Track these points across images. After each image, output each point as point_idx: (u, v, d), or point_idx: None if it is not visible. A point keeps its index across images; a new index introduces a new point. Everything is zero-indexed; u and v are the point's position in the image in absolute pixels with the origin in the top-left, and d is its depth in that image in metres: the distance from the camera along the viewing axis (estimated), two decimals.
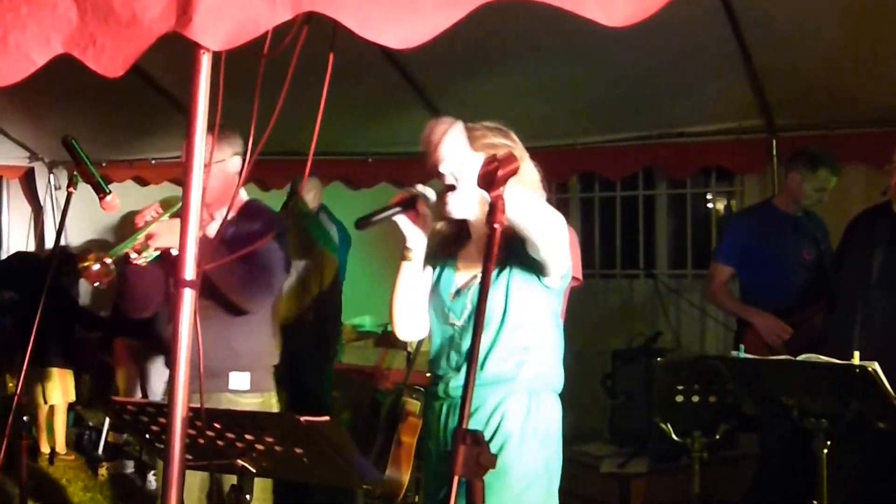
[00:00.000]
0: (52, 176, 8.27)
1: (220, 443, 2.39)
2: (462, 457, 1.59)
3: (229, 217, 3.46)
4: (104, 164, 7.64)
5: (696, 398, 3.69)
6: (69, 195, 3.06)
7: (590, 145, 6.59)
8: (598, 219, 7.71)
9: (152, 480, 6.31)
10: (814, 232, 4.76)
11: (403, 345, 5.88)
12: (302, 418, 2.19)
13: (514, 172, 1.91)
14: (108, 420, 6.90)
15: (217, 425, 2.35)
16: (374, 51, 5.68)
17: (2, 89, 2.63)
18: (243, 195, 3.72)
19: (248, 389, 3.55)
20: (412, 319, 2.92)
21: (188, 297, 2.25)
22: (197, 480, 3.44)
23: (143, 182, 7.80)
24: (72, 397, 7.04)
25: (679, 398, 3.70)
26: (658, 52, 5.52)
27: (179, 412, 2.19)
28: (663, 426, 3.75)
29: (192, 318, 2.25)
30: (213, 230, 3.49)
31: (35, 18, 2.60)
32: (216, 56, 2.36)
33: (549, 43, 5.26)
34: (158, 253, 3.27)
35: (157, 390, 6.52)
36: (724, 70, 5.64)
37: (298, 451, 2.33)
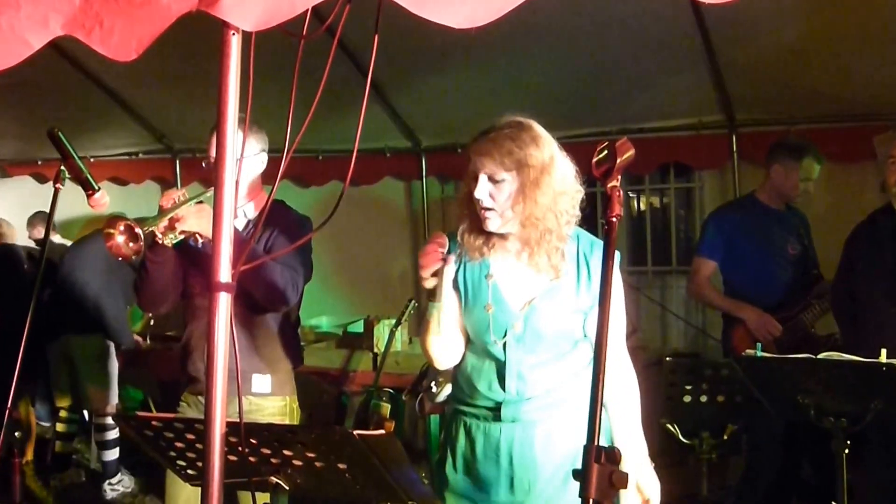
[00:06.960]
0: None
1: (252, 459, 2.20)
2: (596, 477, 1.43)
3: (253, 216, 3.39)
4: (39, 163, 7.29)
5: (704, 398, 3.59)
6: (56, 191, 2.81)
7: None
8: None
9: (107, 491, 5.98)
10: (797, 227, 4.70)
11: (369, 346, 5.72)
12: (356, 432, 2.01)
13: (631, 160, 1.74)
14: (55, 429, 6.52)
15: (253, 441, 2.16)
16: (328, 42, 5.47)
17: None
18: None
19: (269, 392, 3.38)
20: (453, 351, 2.73)
21: (224, 302, 2.06)
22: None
23: None
24: None
25: (687, 398, 3.59)
26: (619, 46, 5.43)
27: (218, 428, 1.99)
28: (670, 427, 3.65)
29: (228, 324, 2.06)
30: (238, 226, 3.31)
31: None
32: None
33: (507, 38, 5.11)
34: (182, 238, 3.09)
35: None
36: (687, 65, 5.58)
37: (342, 466, 2.15)
